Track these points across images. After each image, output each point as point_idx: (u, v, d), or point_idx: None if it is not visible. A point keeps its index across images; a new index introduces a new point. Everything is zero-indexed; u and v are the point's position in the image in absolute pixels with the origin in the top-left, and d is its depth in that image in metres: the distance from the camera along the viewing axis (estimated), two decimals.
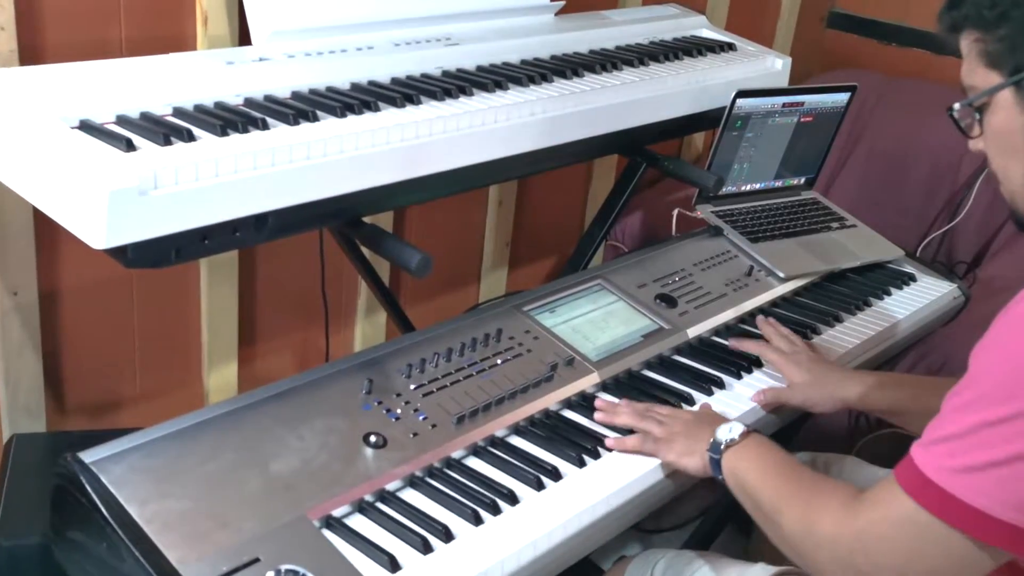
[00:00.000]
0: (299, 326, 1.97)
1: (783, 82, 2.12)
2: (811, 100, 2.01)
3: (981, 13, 1.00)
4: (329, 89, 1.45)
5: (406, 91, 1.46)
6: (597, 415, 1.35)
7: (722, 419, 1.30)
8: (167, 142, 1.16)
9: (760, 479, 1.15)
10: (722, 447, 1.20)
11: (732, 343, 1.57)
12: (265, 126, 1.26)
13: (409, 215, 2.10)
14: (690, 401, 1.43)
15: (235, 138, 1.22)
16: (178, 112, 1.28)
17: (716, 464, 1.20)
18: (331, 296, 1.97)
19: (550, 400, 1.36)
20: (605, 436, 1.31)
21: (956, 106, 1.07)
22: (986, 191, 2.52)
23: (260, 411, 1.19)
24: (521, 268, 2.42)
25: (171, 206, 1.11)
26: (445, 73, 1.61)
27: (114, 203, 1.05)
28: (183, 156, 1.14)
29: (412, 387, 1.29)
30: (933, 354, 2.08)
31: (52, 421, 1.65)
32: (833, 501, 1.05)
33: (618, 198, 1.93)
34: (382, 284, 1.68)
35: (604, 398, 1.40)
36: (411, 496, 1.16)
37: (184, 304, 1.76)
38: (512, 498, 1.16)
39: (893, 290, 1.89)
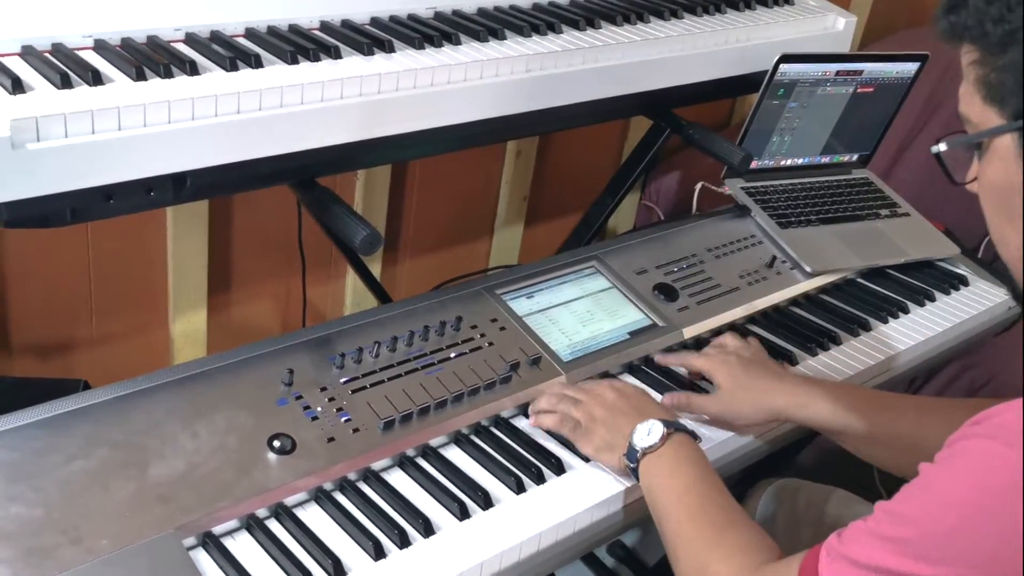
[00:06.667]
0: (281, 275, 1.83)
1: (845, 44, 1.88)
2: (872, 69, 1.77)
3: (983, 26, 0.76)
4: (291, 28, 1.27)
5: (381, 35, 1.28)
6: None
7: (649, 406, 1.13)
8: (66, 84, 1.01)
9: (667, 504, 1.00)
10: (638, 455, 1.04)
11: (658, 359, 1.34)
12: (195, 70, 1.10)
13: (413, 161, 1.92)
14: None
15: (154, 84, 1.06)
16: (99, 46, 1.12)
17: (634, 472, 1.05)
18: (319, 244, 1.82)
19: (503, 406, 1.20)
20: (554, 454, 1.15)
21: (942, 147, 0.84)
22: None
23: (155, 399, 1.05)
24: (539, 226, 2.23)
25: (57, 162, 0.96)
26: (437, 16, 1.42)
27: None
28: (78, 103, 0.98)
29: (342, 380, 1.14)
30: (979, 367, 1.86)
31: None
32: (730, 563, 0.92)
33: (636, 164, 1.73)
34: (348, 249, 1.52)
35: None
36: (311, 515, 1.01)
37: (147, 243, 1.63)
38: (427, 527, 1.01)
39: (938, 295, 1.66)
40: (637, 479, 1.06)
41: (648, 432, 1.05)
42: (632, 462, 1.05)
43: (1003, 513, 0.71)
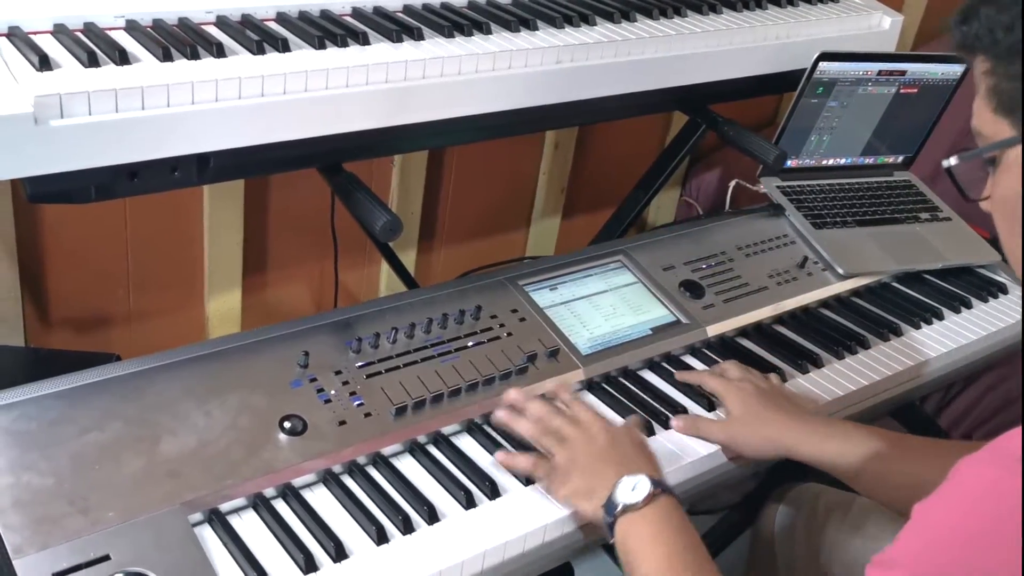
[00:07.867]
0: (316, 258, 1.85)
1: (891, 43, 1.84)
2: (915, 69, 1.73)
3: (994, 35, 0.74)
4: (323, 14, 1.28)
5: (411, 23, 1.29)
6: (497, 413, 1.13)
7: (638, 458, 1.04)
8: (92, 62, 1.02)
9: (645, 570, 0.93)
10: (617, 510, 0.97)
11: (679, 376, 1.29)
12: (221, 53, 1.11)
13: (450, 149, 1.93)
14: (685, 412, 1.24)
15: (180, 65, 1.07)
16: (131, 27, 1.14)
17: (609, 527, 0.98)
18: (355, 229, 1.83)
19: None
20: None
21: (952, 162, 0.81)
22: None
23: (172, 376, 1.07)
24: (577, 217, 2.22)
25: (80, 139, 0.98)
26: (471, 4, 1.42)
27: None
28: (103, 82, 1.00)
29: (357, 365, 1.15)
30: (1016, 378, 1.81)
31: (33, 335, 1.58)
32: None
33: (670, 160, 1.71)
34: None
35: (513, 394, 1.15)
36: (318, 497, 1.02)
37: (184, 222, 1.65)
38: (432, 514, 1.02)
39: (975, 302, 1.62)
40: (611, 534, 0.98)
41: (633, 488, 0.97)
42: (610, 516, 0.98)
43: (1006, 545, 0.67)
